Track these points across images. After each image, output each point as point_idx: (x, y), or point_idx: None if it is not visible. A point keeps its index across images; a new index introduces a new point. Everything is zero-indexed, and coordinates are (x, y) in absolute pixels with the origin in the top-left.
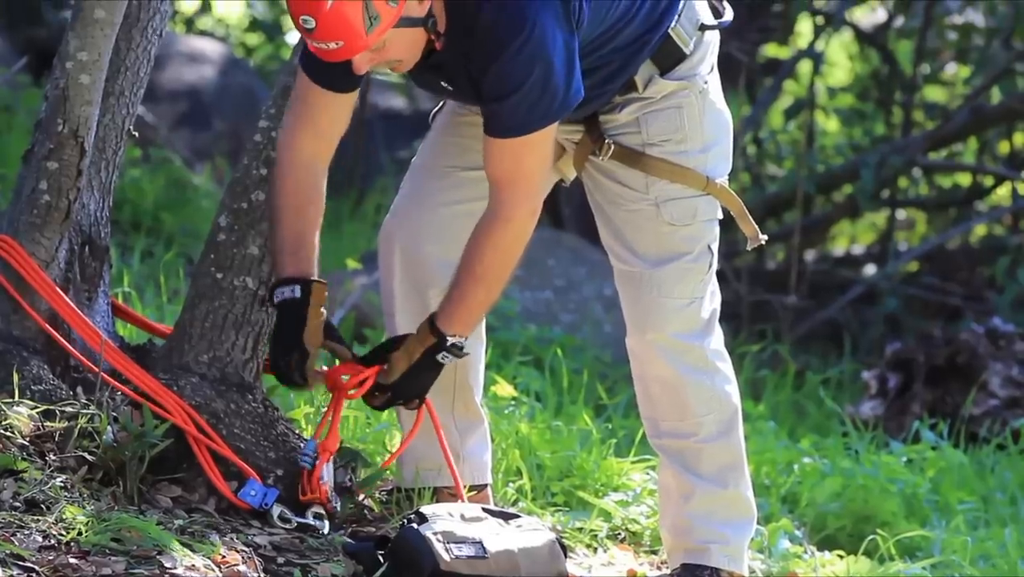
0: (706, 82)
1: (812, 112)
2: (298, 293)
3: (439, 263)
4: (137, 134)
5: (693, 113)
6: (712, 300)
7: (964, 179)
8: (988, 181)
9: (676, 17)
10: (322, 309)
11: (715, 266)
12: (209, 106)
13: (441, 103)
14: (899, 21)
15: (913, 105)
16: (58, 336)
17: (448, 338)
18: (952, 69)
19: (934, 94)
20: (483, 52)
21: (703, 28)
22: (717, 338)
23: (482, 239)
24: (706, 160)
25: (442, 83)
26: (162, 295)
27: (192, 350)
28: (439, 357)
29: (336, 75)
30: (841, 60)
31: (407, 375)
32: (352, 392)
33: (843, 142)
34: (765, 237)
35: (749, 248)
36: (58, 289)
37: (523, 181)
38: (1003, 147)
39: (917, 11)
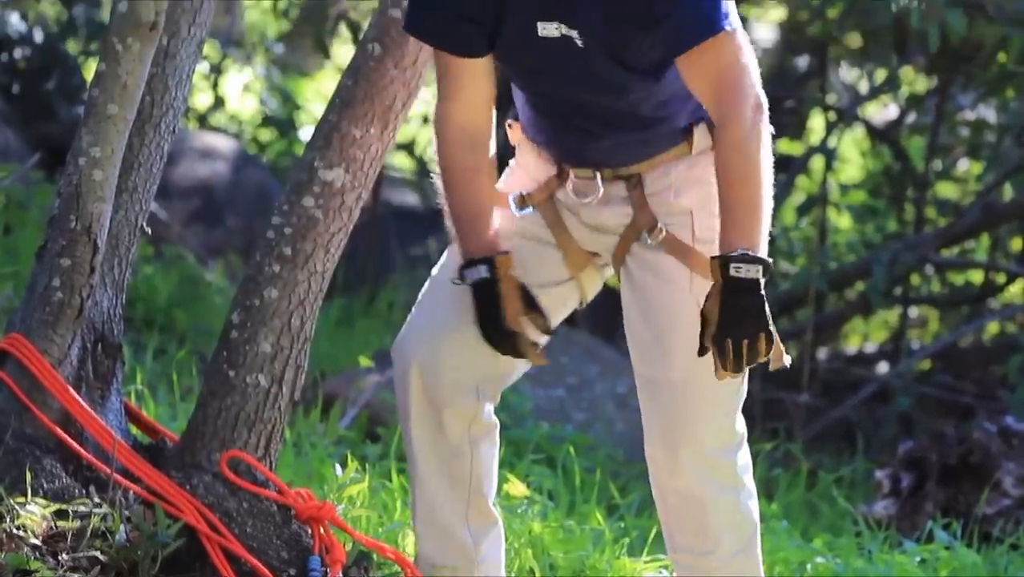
0: None
1: (825, 209)
2: (486, 273)
3: (456, 385)
4: (150, 231)
5: None
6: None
7: (976, 276)
8: (1000, 278)
9: None
10: (513, 277)
11: (747, 379)
12: (222, 203)
13: None
14: (911, 117)
15: (925, 202)
16: (68, 438)
17: (733, 251)
18: (964, 166)
19: (946, 191)
20: None
21: None
22: (745, 451)
23: (724, 149)
24: None
25: (555, 29)
26: (175, 393)
27: (204, 448)
28: (734, 272)
29: (460, 38)
30: (853, 156)
31: (724, 310)
32: None
33: (855, 239)
34: (790, 359)
35: (772, 369)
36: (70, 388)
37: (731, 79)
38: (1015, 244)
39: (929, 107)
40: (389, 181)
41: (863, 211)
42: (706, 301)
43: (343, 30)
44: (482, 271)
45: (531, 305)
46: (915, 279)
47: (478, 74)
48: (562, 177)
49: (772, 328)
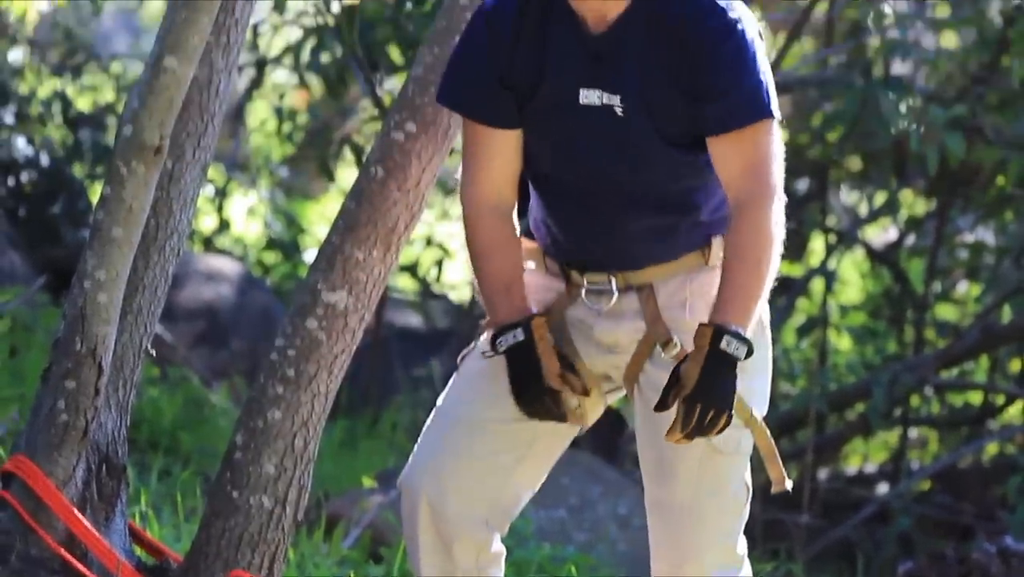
0: (764, 315)
1: (825, 330)
2: (522, 336)
3: (465, 517)
4: (155, 353)
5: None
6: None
7: (976, 398)
8: (1000, 400)
9: None
10: (549, 338)
11: (749, 502)
12: (227, 325)
13: (471, 346)
14: (911, 240)
15: (925, 324)
16: (73, 560)
17: (727, 326)
18: (964, 288)
19: (946, 312)
20: (692, 36)
21: None
22: (747, 571)
23: (743, 228)
24: (752, 392)
25: (597, 97)
26: (179, 514)
27: (208, 569)
28: (724, 346)
29: (494, 108)
30: (853, 278)
31: (703, 376)
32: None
33: (855, 360)
34: (791, 484)
35: (774, 492)
36: (75, 509)
37: (765, 165)
38: (1015, 366)
39: (928, 230)
40: (392, 303)
41: (863, 333)
42: (684, 361)
43: (347, 153)
44: (518, 334)
45: (568, 365)
46: (915, 400)
47: (508, 147)
48: (572, 293)
49: (732, 412)
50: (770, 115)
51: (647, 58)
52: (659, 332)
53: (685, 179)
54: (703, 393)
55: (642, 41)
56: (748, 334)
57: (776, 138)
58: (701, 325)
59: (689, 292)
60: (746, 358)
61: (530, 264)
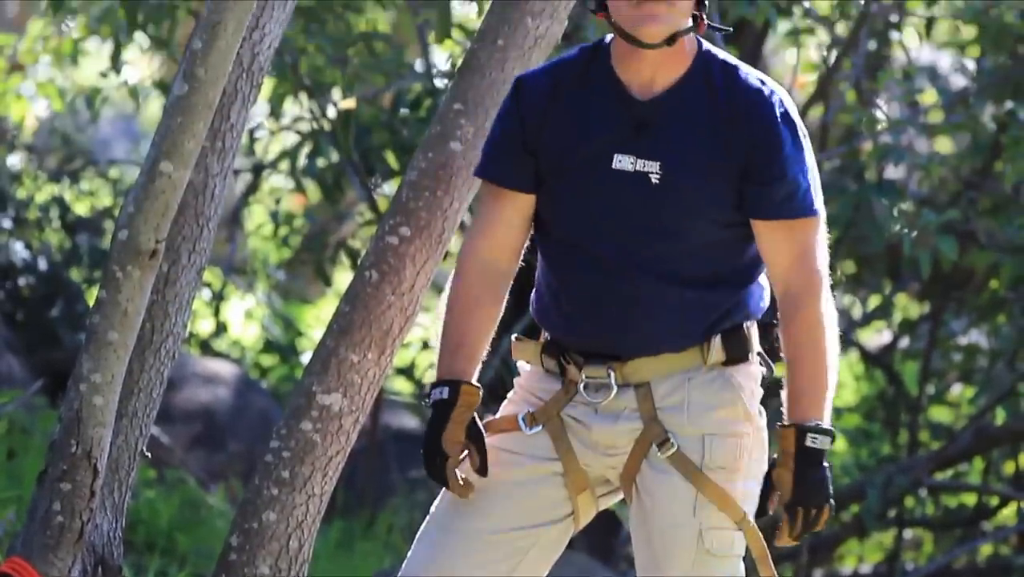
0: (761, 419)
1: None
2: (446, 395)
3: None
4: (150, 455)
5: (749, 446)
6: None
7: (970, 499)
8: (994, 501)
9: (755, 318)
10: (471, 411)
11: None
12: (224, 427)
13: (463, 456)
14: (905, 342)
15: (919, 426)
16: None
17: (807, 423)
18: (958, 389)
19: (940, 414)
20: (755, 110)
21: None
22: None
23: (800, 320)
24: (745, 495)
25: (631, 164)
26: None
27: None
28: (809, 442)
29: (508, 169)
30: (848, 381)
31: (797, 480)
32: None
33: (850, 461)
34: None
35: None
36: None
37: (815, 256)
38: (1008, 467)
39: (922, 333)
40: (389, 404)
41: (857, 434)
42: (775, 468)
43: (343, 257)
44: (444, 392)
45: (475, 439)
46: (909, 501)
47: (516, 213)
48: (569, 390)
49: (832, 504)
50: (816, 212)
51: (699, 129)
52: (655, 432)
53: (708, 255)
54: (802, 496)
55: (696, 112)
56: (827, 424)
57: (823, 232)
58: (782, 427)
59: (687, 393)
60: (832, 444)
61: (526, 366)
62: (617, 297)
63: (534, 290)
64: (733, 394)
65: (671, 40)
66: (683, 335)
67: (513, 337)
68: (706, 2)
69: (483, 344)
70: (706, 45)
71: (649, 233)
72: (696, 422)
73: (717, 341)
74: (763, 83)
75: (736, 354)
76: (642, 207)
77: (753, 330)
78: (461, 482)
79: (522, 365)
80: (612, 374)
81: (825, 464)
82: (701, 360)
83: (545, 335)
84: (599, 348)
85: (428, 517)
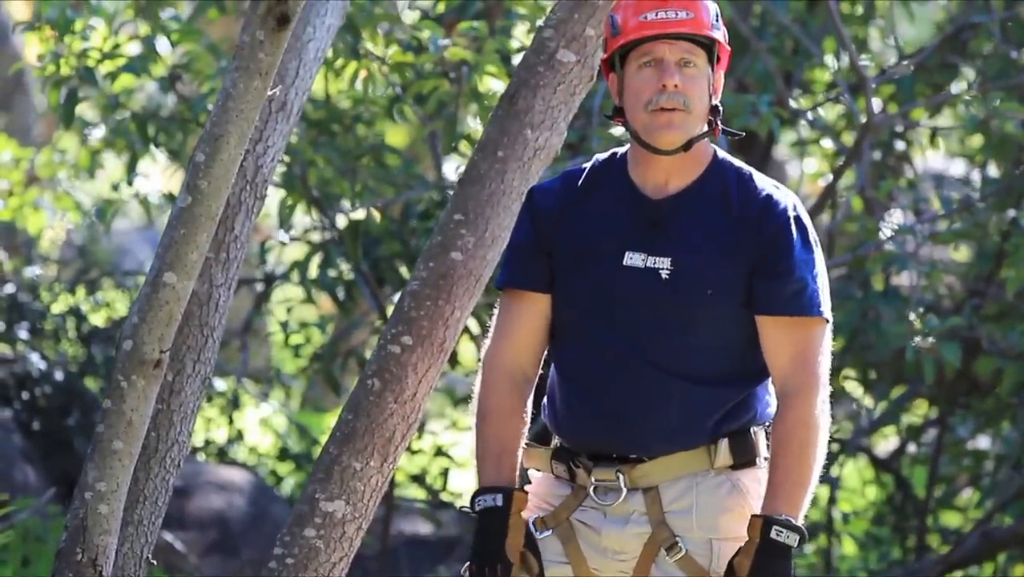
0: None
1: (829, 537)
2: (500, 502)
3: None
4: (156, 562)
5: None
6: None
7: None
8: None
9: (765, 424)
10: (522, 517)
11: None
12: (238, 534)
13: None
14: (912, 448)
15: (927, 530)
16: None
17: (777, 516)
18: (967, 493)
19: (949, 519)
20: (767, 212)
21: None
22: None
23: (789, 417)
24: None
25: (641, 260)
26: None
27: None
28: (774, 535)
29: (526, 272)
30: (856, 485)
31: (756, 568)
32: None
33: (859, 565)
34: None
35: None
36: None
37: (814, 357)
38: (1016, 571)
39: (930, 438)
40: (401, 510)
41: (867, 539)
42: (738, 555)
43: (354, 366)
44: (497, 499)
45: (531, 546)
46: None
47: (535, 313)
48: (578, 495)
49: None
50: (825, 317)
51: (711, 228)
52: (663, 535)
53: (716, 352)
54: None
55: (708, 212)
56: (799, 521)
57: (827, 339)
58: (752, 516)
59: (695, 497)
60: (799, 545)
61: (537, 473)
62: (626, 391)
63: (546, 396)
64: (741, 499)
65: (687, 146)
66: (690, 432)
67: (523, 444)
68: (720, 109)
69: (519, 450)
70: (721, 153)
71: (658, 328)
72: (704, 526)
73: (724, 445)
74: (777, 188)
75: (743, 459)
76: (652, 302)
77: (761, 435)
78: None
79: (533, 473)
80: (621, 477)
81: (788, 561)
82: (708, 463)
83: (555, 441)
84: (608, 446)
85: None
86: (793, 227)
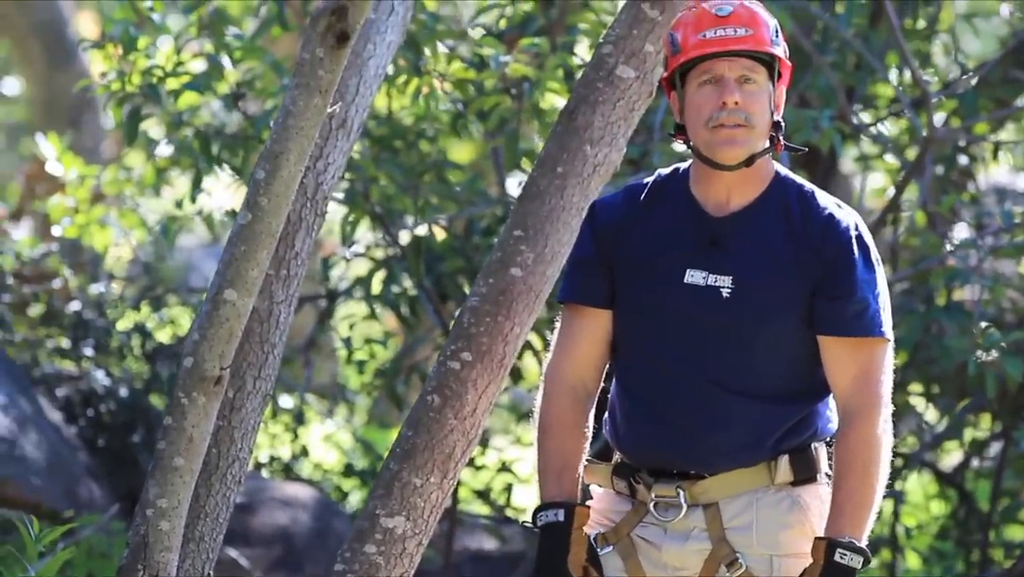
0: None
1: (894, 552)
2: (562, 517)
3: None
4: None
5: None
6: None
7: None
8: None
9: (827, 439)
10: (584, 531)
11: None
12: (302, 551)
13: None
14: (976, 462)
15: (991, 544)
16: None
17: (840, 538)
18: None
19: (1013, 532)
20: (829, 231)
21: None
22: None
23: (852, 437)
24: None
25: (703, 278)
26: None
27: None
28: (838, 557)
29: (587, 286)
30: (920, 500)
31: None
32: None
33: None
34: None
35: None
36: None
37: (877, 377)
38: None
39: (993, 452)
40: (465, 526)
41: (931, 554)
42: (803, 576)
43: (416, 382)
44: (559, 515)
45: (593, 560)
46: None
47: (596, 328)
48: (639, 511)
49: None
50: (887, 337)
51: (772, 246)
52: (724, 552)
53: (777, 370)
54: None
55: (769, 230)
56: (863, 543)
57: (889, 358)
58: (816, 538)
59: (756, 514)
60: (863, 567)
61: (598, 489)
62: (687, 408)
63: (607, 412)
64: (801, 515)
65: (749, 162)
66: (751, 449)
67: (584, 460)
68: (782, 124)
69: (581, 464)
70: (784, 171)
71: (719, 346)
72: (764, 542)
73: (784, 461)
74: (839, 207)
75: (804, 475)
76: (713, 320)
77: (822, 451)
78: None
79: (594, 488)
80: (682, 493)
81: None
82: (769, 479)
83: (616, 457)
84: (669, 462)
85: None
86: (855, 246)
